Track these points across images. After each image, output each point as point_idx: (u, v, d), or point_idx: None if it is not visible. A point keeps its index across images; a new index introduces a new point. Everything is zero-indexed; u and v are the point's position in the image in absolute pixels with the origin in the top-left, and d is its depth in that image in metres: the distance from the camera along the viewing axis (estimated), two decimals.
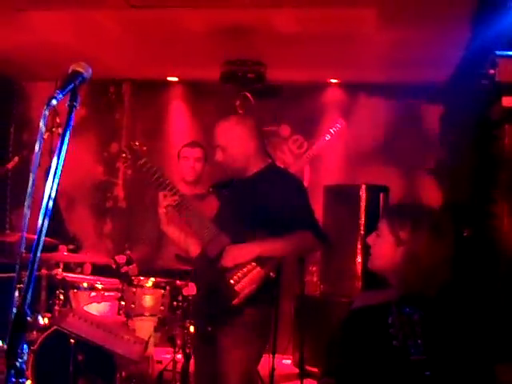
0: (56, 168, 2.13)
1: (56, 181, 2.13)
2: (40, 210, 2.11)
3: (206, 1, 6.28)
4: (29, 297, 2.01)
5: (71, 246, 6.78)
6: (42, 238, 2.08)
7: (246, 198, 4.34)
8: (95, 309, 5.94)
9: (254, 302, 4.16)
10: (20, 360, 1.95)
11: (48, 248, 6.25)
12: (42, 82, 8.84)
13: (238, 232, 4.23)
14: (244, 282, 4.12)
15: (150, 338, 5.42)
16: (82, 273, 6.56)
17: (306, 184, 8.72)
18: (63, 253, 6.07)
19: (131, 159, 4.51)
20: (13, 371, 1.93)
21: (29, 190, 2.11)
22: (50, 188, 2.12)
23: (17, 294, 2.00)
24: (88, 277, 6.36)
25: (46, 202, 2.11)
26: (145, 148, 4.52)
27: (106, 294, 6.06)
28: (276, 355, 6.09)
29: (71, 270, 6.48)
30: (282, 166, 5.73)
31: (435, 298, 2.97)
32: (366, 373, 2.99)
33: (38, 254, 2.07)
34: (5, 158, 6.22)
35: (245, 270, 4.14)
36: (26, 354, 1.97)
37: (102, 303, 6.03)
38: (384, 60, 7.68)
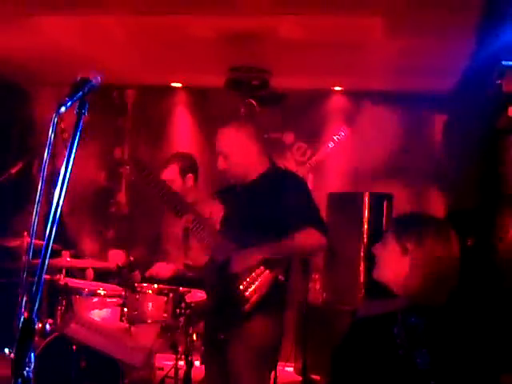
0: (64, 176, 2.13)
1: (64, 188, 2.13)
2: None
3: (211, 8, 6.27)
4: (36, 304, 2.00)
5: (73, 252, 6.78)
6: (50, 245, 2.08)
7: (249, 202, 4.34)
8: (97, 315, 5.92)
9: (265, 307, 4.16)
10: (27, 369, 1.94)
11: (51, 253, 6.23)
12: (46, 86, 8.83)
13: (245, 237, 4.22)
14: (253, 288, 4.11)
15: (153, 345, 5.40)
16: (84, 278, 6.55)
17: None
18: (66, 258, 6.06)
19: (135, 172, 4.52)
20: (20, 380, 1.92)
21: (37, 197, 2.10)
22: (59, 196, 2.11)
23: (23, 301, 1.99)
24: (90, 283, 6.35)
25: (54, 209, 2.10)
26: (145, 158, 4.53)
27: (109, 300, 6.05)
28: (279, 363, 6.06)
29: (73, 275, 6.47)
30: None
31: (440, 307, 2.96)
32: (371, 383, 2.98)
33: (47, 262, 2.06)
34: (8, 163, 6.20)
35: (253, 274, 4.13)
36: (32, 363, 1.96)
37: (104, 309, 6.01)
38: (389, 68, 7.68)
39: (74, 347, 5.07)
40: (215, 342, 4.39)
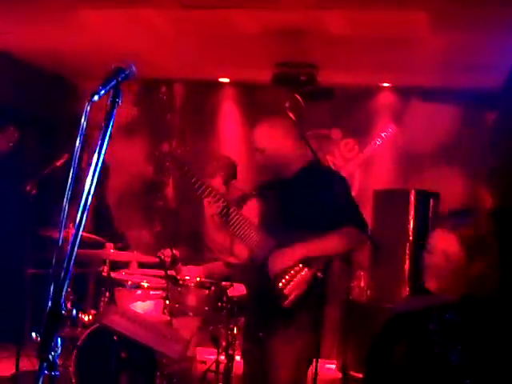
0: (96, 164, 2.14)
1: (96, 177, 2.14)
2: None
3: (258, 2, 6.26)
4: (64, 291, 2.02)
5: (119, 245, 6.83)
6: (80, 232, 2.09)
7: (289, 199, 4.33)
8: (140, 307, 5.96)
9: (304, 304, 4.15)
10: (53, 353, 1.95)
11: (95, 245, 6.30)
12: (94, 80, 8.88)
13: (284, 233, 4.22)
14: (292, 285, 4.12)
15: (192, 337, 5.42)
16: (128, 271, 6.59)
17: (356, 188, 8.74)
18: (110, 250, 6.10)
19: (174, 168, 4.56)
20: (45, 364, 1.93)
21: (68, 184, 2.12)
22: (90, 184, 2.12)
23: (51, 287, 2.01)
24: (134, 275, 6.38)
25: (85, 197, 2.11)
26: (187, 154, 4.56)
27: (152, 292, 6.08)
28: (320, 360, 6.04)
29: (119, 268, 6.51)
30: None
31: (477, 305, 2.93)
32: (405, 378, 2.96)
33: (75, 249, 2.07)
34: (56, 157, 6.24)
35: (292, 272, 4.13)
36: (59, 348, 1.97)
37: (147, 302, 6.05)
38: (437, 64, 7.59)
39: (115, 338, 5.10)
40: (255, 339, 4.41)
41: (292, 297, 4.11)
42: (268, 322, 4.26)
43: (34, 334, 1.93)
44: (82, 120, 2.19)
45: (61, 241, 2.12)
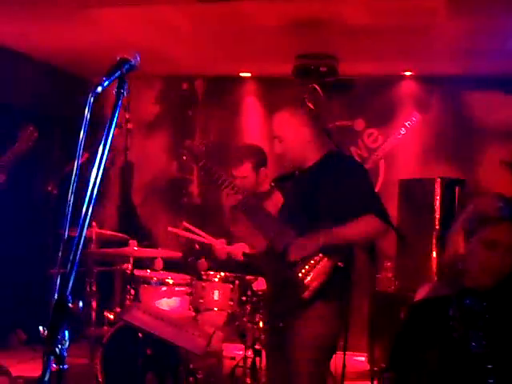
0: (102, 156, 2.12)
1: (101, 168, 2.12)
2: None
3: None
4: (71, 283, 2.01)
5: (145, 242, 6.83)
6: (86, 226, 2.07)
7: (307, 189, 4.28)
8: (166, 304, 5.96)
9: (325, 294, 4.10)
10: (60, 346, 1.93)
11: (120, 243, 6.31)
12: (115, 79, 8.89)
13: (303, 224, 4.18)
14: (312, 275, 4.06)
15: (213, 332, 5.38)
16: (153, 268, 6.59)
17: (381, 178, 8.69)
18: (133, 247, 6.10)
19: (191, 161, 4.55)
20: (51, 357, 1.92)
21: (73, 177, 2.10)
22: (96, 176, 2.10)
23: (58, 280, 1.99)
24: (159, 272, 6.38)
25: (91, 189, 2.09)
26: (204, 147, 4.54)
27: (177, 288, 6.08)
28: (349, 352, 5.98)
29: (145, 265, 6.52)
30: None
31: (497, 289, 2.88)
32: (426, 365, 2.92)
33: (82, 242, 2.06)
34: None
35: (312, 262, 4.08)
36: (67, 341, 1.96)
37: (173, 298, 6.04)
38: (457, 51, 7.52)
39: (141, 335, 5.10)
40: (275, 330, 4.37)
41: (312, 287, 4.06)
42: (288, 313, 4.22)
43: (40, 328, 1.92)
44: (86, 112, 2.18)
45: (66, 236, 2.10)
